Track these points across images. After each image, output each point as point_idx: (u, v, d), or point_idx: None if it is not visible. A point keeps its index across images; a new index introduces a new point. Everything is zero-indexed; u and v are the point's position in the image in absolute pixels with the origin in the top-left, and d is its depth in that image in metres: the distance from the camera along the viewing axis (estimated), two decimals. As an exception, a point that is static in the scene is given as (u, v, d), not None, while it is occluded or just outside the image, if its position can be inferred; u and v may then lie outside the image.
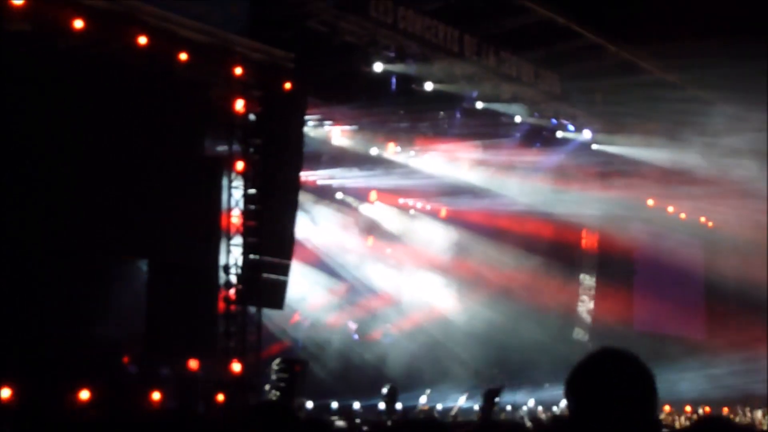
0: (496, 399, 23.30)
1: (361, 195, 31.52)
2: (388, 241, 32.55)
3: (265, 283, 22.67)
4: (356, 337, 30.27)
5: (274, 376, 22.35)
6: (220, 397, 20.79)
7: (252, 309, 22.98)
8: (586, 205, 32.54)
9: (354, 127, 27.61)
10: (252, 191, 22.97)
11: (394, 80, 24.47)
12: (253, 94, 22.79)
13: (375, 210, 32.30)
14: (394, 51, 23.66)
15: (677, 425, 24.88)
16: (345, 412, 25.37)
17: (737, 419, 26.58)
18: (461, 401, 27.62)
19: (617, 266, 35.63)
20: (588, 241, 36.43)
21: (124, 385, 19.90)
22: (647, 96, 26.28)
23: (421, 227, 33.41)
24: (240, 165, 23.01)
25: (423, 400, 27.51)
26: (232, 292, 22.59)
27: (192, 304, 21.77)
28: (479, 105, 26.44)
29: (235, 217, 23.08)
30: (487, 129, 28.17)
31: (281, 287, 22.97)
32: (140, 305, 21.05)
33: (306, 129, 24.48)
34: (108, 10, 19.61)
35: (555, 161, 30.23)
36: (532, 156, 29.83)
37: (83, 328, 19.51)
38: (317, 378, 25.66)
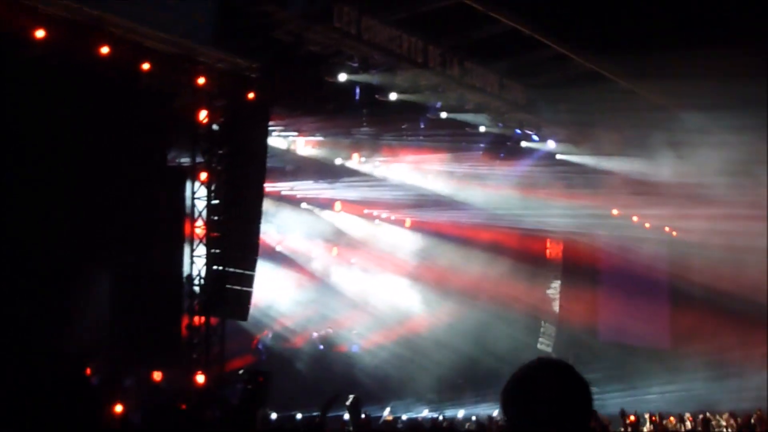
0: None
1: (326, 205, 31.45)
2: (354, 249, 32.53)
3: (229, 294, 22.57)
4: (321, 347, 30.20)
5: (236, 387, 22.25)
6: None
7: (217, 320, 22.91)
8: (551, 215, 32.64)
9: (318, 137, 27.56)
10: (215, 201, 22.89)
11: (358, 90, 24.41)
12: (217, 103, 22.73)
13: (340, 218, 32.24)
14: (359, 61, 23.60)
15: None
16: (308, 422, 25.28)
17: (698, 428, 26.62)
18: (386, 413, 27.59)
19: (582, 276, 35.76)
20: (553, 250, 36.55)
21: (86, 398, 19.74)
22: (612, 106, 26.30)
23: (386, 234, 33.42)
24: (203, 175, 22.92)
25: (387, 411, 27.47)
26: (195, 302, 22.50)
27: (155, 315, 21.65)
28: (443, 115, 26.40)
29: (199, 228, 22.98)
30: (451, 139, 28.20)
31: (245, 298, 22.88)
32: (103, 316, 20.91)
33: (270, 139, 24.39)
34: (70, 19, 19.52)
35: (519, 171, 30.25)
36: (497, 166, 29.85)
37: (46, 339, 19.34)
38: (284, 390, 25.57)
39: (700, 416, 27.07)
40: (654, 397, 31.31)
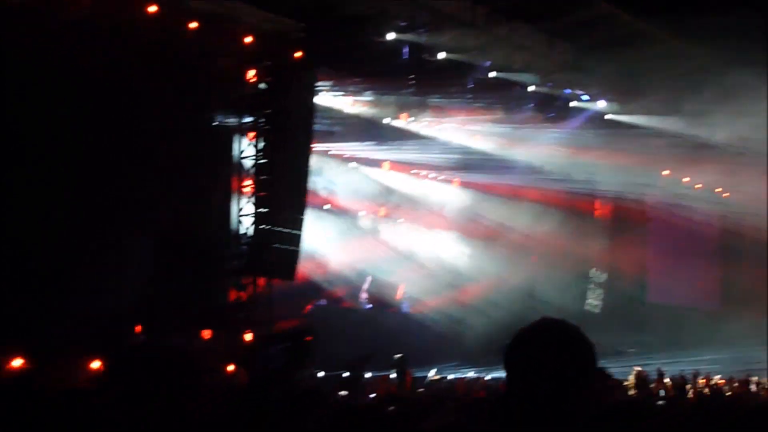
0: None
1: (374, 164, 31.36)
2: (403, 207, 32.49)
3: (275, 253, 22.66)
4: (369, 306, 30.21)
5: (281, 346, 22.31)
6: (230, 368, 20.79)
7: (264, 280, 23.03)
8: (599, 175, 32.44)
9: (366, 96, 27.47)
10: (263, 161, 22.94)
11: (406, 50, 24.31)
12: (264, 63, 22.72)
13: (388, 177, 32.18)
14: (406, 20, 23.49)
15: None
16: (353, 382, 25.34)
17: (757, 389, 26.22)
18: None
19: (631, 236, 35.47)
20: (601, 210, 36.32)
21: (134, 355, 19.88)
22: (662, 65, 26.01)
23: (434, 192, 33.34)
24: (251, 135, 22.98)
25: (432, 372, 27.46)
26: (242, 262, 22.62)
27: (202, 275, 21.79)
28: (492, 74, 26.26)
29: (246, 187, 23.06)
30: (500, 98, 28.02)
31: (292, 258, 22.97)
32: (148, 278, 21.04)
33: (317, 98, 24.37)
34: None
35: (569, 130, 30.06)
36: (546, 126, 29.68)
37: (94, 298, 19.50)
38: (332, 349, 25.65)
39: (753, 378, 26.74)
40: (703, 359, 31.02)
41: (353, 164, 30.88)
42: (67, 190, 18.83)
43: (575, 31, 25.78)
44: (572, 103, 29.25)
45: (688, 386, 24.30)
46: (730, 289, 37.00)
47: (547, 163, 31.19)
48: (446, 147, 30.40)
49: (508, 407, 3.66)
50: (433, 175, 33.09)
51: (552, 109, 29.12)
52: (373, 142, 29.80)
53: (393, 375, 24.95)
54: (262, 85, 22.95)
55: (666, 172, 34.09)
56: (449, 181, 33.57)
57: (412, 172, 32.71)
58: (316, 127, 24.32)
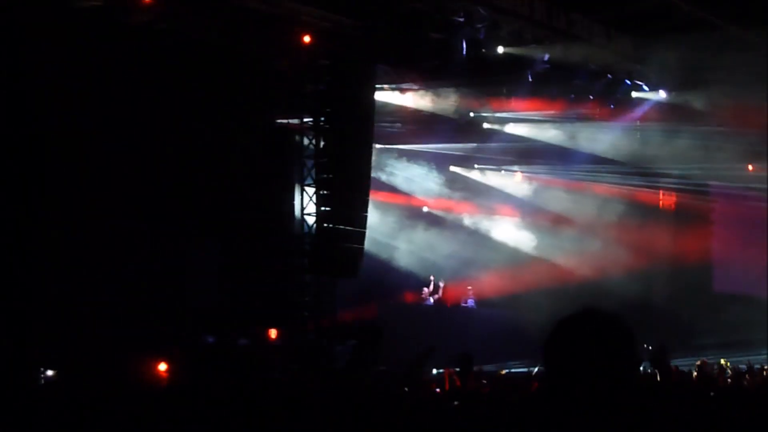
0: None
1: (436, 158, 31.38)
2: (467, 200, 32.52)
3: (339, 251, 22.74)
4: (430, 301, 30.20)
5: (348, 343, 22.44)
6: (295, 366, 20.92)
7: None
8: (663, 164, 32.29)
9: (426, 92, 27.52)
10: (324, 160, 23.04)
11: (464, 45, 24.30)
12: (323, 63, 22.82)
13: (451, 170, 32.24)
14: (463, 16, 23.47)
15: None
16: (416, 377, 25.35)
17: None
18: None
19: (696, 225, 35.18)
20: (665, 200, 36.08)
21: (202, 356, 20.10)
22: (723, 54, 25.78)
23: (498, 184, 33.36)
24: (311, 134, 23.10)
25: (497, 368, 27.42)
26: (306, 261, 22.74)
27: (267, 275, 21.94)
28: (551, 67, 26.21)
29: (308, 187, 23.19)
30: (559, 91, 27.98)
31: (356, 256, 23.02)
32: (216, 277, 21.25)
33: (377, 96, 24.43)
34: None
35: (630, 121, 29.99)
36: (608, 116, 29.65)
37: (164, 302, 19.73)
38: (397, 345, 25.68)
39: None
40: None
41: (415, 159, 30.94)
42: (137, 197, 19.08)
43: (634, 22, 25.67)
44: (633, 94, 29.09)
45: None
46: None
47: (610, 154, 31.08)
48: (508, 139, 30.44)
49: (546, 404, 3.57)
50: (495, 167, 33.11)
51: (612, 100, 29.02)
52: (434, 137, 29.86)
53: (457, 370, 24.95)
54: (321, 85, 23.04)
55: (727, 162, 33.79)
56: (512, 173, 33.57)
57: (475, 165, 32.74)
58: (377, 124, 24.39)
